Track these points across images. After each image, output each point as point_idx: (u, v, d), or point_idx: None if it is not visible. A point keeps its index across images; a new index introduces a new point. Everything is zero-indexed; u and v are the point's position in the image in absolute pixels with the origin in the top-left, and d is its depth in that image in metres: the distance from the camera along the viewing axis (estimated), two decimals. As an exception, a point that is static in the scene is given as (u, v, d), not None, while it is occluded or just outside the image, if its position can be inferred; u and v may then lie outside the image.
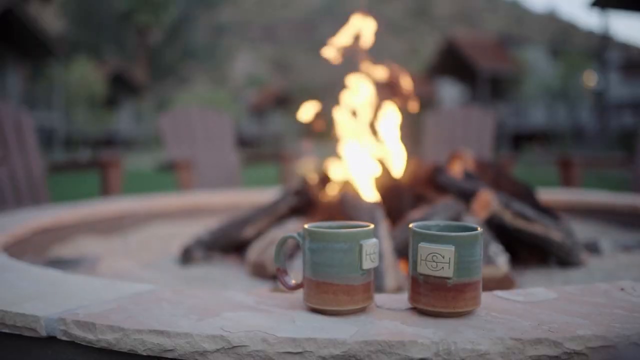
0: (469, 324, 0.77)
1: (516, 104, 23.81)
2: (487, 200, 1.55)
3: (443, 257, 0.79)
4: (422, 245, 0.80)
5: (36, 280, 1.02)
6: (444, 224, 0.88)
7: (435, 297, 0.80)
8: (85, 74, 21.43)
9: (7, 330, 0.84)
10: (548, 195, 2.37)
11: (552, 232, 1.53)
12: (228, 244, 1.78)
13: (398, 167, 1.88)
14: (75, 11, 34.40)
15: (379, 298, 0.90)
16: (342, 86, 1.97)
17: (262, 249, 1.59)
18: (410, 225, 0.85)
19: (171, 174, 3.89)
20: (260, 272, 1.56)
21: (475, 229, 0.82)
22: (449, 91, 25.85)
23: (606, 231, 2.14)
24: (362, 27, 1.96)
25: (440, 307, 0.79)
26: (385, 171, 1.79)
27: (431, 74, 26.56)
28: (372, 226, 0.85)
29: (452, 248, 0.78)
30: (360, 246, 0.81)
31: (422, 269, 0.80)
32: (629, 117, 19.56)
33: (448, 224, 0.88)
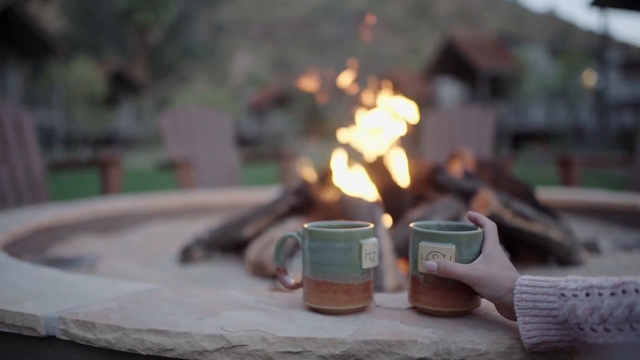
0: (468, 323, 0.77)
1: (516, 103, 23.79)
2: (487, 200, 1.55)
3: (444, 256, 0.79)
4: (422, 244, 0.80)
5: (36, 280, 1.02)
6: (444, 223, 0.88)
7: (435, 296, 0.80)
8: (85, 73, 21.42)
9: (6, 330, 0.84)
10: (548, 194, 2.37)
11: (551, 231, 1.53)
12: (227, 243, 1.78)
13: (399, 169, 1.87)
14: (75, 10, 34.42)
15: (378, 297, 0.90)
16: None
17: (262, 248, 1.59)
18: (411, 225, 0.85)
19: (171, 173, 3.89)
20: (259, 271, 1.56)
21: (476, 228, 0.82)
22: (449, 90, 25.82)
23: (606, 230, 2.14)
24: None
25: (440, 307, 0.79)
26: (385, 171, 1.79)
27: (431, 73, 26.55)
28: (371, 225, 0.85)
29: (453, 247, 0.78)
30: (360, 245, 0.81)
31: (423, 268, 0.80)
32: (629, 117, 19.55)
33: (448, 223, 0.88)
